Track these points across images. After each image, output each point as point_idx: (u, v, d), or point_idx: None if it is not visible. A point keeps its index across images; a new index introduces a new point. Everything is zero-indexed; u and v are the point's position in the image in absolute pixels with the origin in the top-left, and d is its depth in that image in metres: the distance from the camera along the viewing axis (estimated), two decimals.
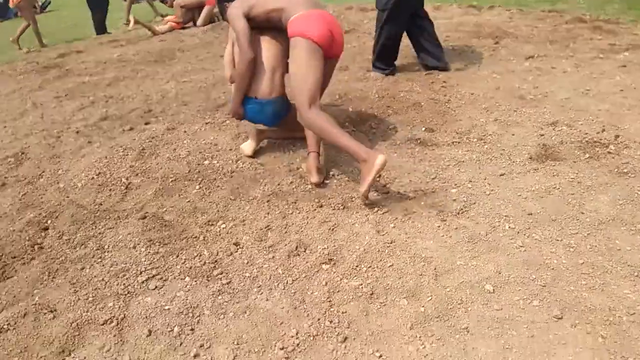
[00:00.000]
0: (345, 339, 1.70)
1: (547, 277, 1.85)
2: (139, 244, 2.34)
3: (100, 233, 2.47)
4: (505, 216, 2.21)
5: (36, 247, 2.42)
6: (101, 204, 2.71)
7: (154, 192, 2.75)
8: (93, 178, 2.97)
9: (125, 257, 2.27)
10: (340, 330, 1.74)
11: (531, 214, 2.20)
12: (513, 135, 2.90)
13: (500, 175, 2.52)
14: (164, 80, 4.66)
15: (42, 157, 3.37)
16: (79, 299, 2.01)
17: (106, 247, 2.36)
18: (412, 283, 1.90)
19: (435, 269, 1.95)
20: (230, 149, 3.11)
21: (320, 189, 2.61)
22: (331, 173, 2.73)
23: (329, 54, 2.65)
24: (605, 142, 2.68)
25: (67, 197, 2.82)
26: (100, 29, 8.32)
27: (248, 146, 3.00)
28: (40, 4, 12.31)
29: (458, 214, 2.26)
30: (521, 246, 2.02)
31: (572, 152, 2.64)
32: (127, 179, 2.92)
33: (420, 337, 1.67)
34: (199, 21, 7.21)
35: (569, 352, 1.55)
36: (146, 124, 3.68)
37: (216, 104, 3.90)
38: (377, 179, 2.47)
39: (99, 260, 2.28)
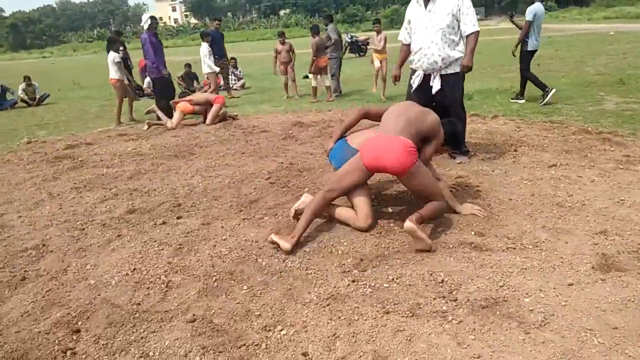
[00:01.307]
0: None
1: None
2: (190, 352, 2.13)
3: (142, 337, 2.26)
4: (590, 330, 2.09)
5: (68, 352, 2.20)
6: (139, 304, 2.52)
7: (198, 292, 2.58)
8: (127, 274, 2.80)
9: None
10: None
11: (616, 329, 2.09)
12: (567, 243, 2.86)
13: (569, 285, 2.43)
14: (189, 174, 4.61)
15: (66, 250, 3.19)
16: None
17: (151, 354, 2.15)
18: None
19: None
20: (274, 247, 2.99)
21: (380, 292, 2.47)
22: (389, 277, 2.61)
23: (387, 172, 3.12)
24: None
25: (99, 295, 2.62)
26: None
27: (286, 241, 2.93)
28: (39, 96, 12.54)
29: (540, 326, 2.13)
30: None
31: (633, 263, 2.59)
32: (166, 276, 2.75)
33: None
34: (208, 120, 7.29)
35: None
36: (178, 218, 3.56)
37: (249, 200, 3.83)
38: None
39: None
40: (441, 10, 4.23)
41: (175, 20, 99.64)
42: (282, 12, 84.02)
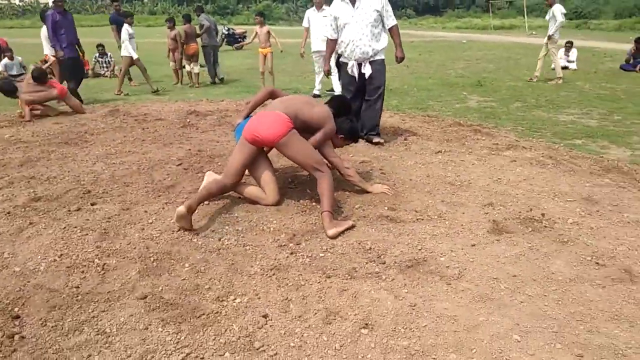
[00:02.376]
0: None
1: (554, 325, 2.18)
2: (150, 325, 2.17)
3: (93, 317, 2.24)
4: (496, 278, 2.55)
5: (16, 337, 2.10)
6: (78, 287, 2.46)
7: (139, 273, 2.59)
8: (55, 260, 2.69)
9: (139, 339, 2.09)
10: None
11: (515, 276, 2.57)
12: (463, 213, 3.36)
13: (472, 245, 2.90)
14: (89, 161, 4.38)
15: None
16: None
17: (108, 330, 2.15)
18: (451, 339, 2.08)
19: (464, 325, 2.17)
20: (207, 228, 3.07)
21: (318, 261, 2.71)
22: (323, 247, 2.86)
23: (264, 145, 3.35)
24: (538, 218, 3.25)
25: (28, 281, 2.50)
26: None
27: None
28: None
29: (458, 278, 2.54)
30: (522, 302, 2.35)
31: (517, 227, 3.15)
32: (99, 259, 2.70)
33: None
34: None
35: None
36: (92, 204, 3.43)
37: (164, 185, 3.80)
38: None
39: (107, 345, 2.06)
40: (368, 7, 4.88)
41: None
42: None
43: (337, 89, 8.58)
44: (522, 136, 5.68)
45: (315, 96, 8.64)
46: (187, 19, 10.40)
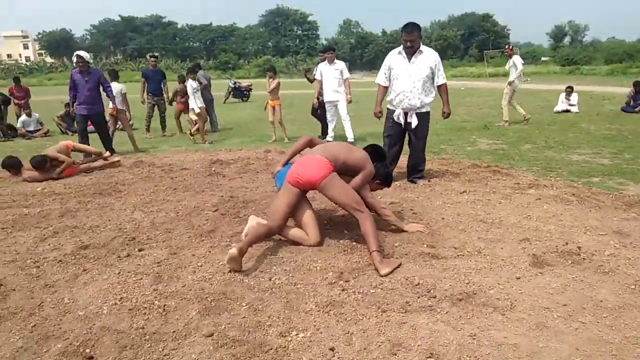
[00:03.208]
0: None
1: (612, 349, 2.25)
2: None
3: (165, 355, 2.31)
4: (547, 308, 2.62)
5: None
6: (143, 328, 2.53)
7: (199, 312, 2.66)
8: (116, 304, 2.77)
9: None
10: None
11: (565, 305, 2.65)
12: (502, 248, 3.46)
13: (517, 278, 2.98)
14: (127, 210, 4.52)
15: (30, 287, 3.02)
16: None
17: None
18: None
19: (525, 352, 2.23)
20: (255, 269, 3.16)
21: (369, 296, 2.79)
22: (372, 284, 2.94)
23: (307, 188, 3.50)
24: (575, 251, 3.35)
25: (94, 324, 2.57)
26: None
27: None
28: None
29: (510, 309, 2.61)
30: (577, 328, 2.42)
31: (557, 260, 3.24)
32: (159, 301, 2.78)
33: None
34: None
35: None
36: (140, 250, 3.54)
37: (205, 230, 3.92)
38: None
39: None
40: (422, 64, 5.27)
41: (27, 58, 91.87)
42: (148, 55, 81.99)
43: (350, 137, 8.85)
44: (540, 175, 5.83)
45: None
46: (182, 80, 11.05)
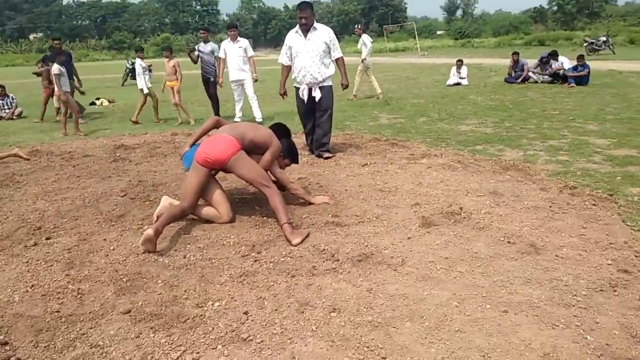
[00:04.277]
0: (384, 358, 2.18)
1: (483, 292, 2.68)
2: (141, 333, 2.38)
3: (83, 334, 2.41)
4: (432, 261, 3.03)
5: (12, 359, 2.21)
6: (59, 312, 2.59)
7: (115, 293, 2.76)
8: (28, 291, 2.79)
9: (134, 346, 2.29)
10: (378, 352, 2.21)
11: (447, 258, 3.07)
12: (397, 213, 3.85)
13: (408, 238, 3.38)
14: (29, 201, 4.38)
15: None
16: None
17: (101, 343, 2.33)
18: (405, 311, 2.50)
19: (413, 300, 2.60)
20: (169, 248, 3.28)
21: (280, 265, 3.04)
22: (282, 253, 3.19)
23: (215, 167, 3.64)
24: (457, 212, 3.82)
25: (6, 312, 2.59)
26: None
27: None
28: None
29: (401, 265, 2.99)
30: (455, 277, 2.84)
31: (442, 220, 3.69)
32: (72, 285, 2.83)
33: (434, 348, 2.27)
34: None
35: (525, 332, 2.36)
36: (47, 238, 3.51)
37: (115, 215, 3.94)
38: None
39: (104, 355, 2.25)
40: (317, 40, 5.68)
41: None
42: (32, 36, 75.39)
43: (258, 117, 8.99)
44: (432, 146, 6.39)
45: None
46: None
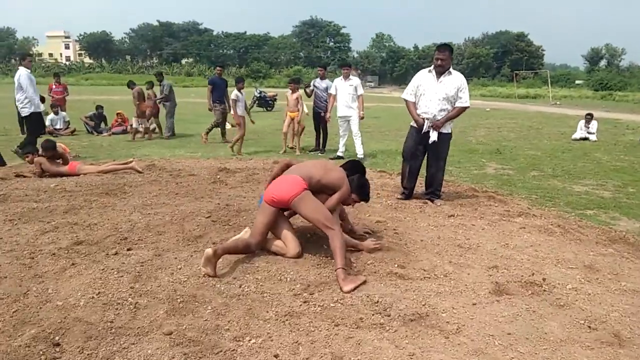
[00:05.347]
0: None
1: None
2: (174, 357, 2.44)
3: (124, 348, 2.52)
4: (491, 335, 2.74)
5: None
6: (112, 322, 2.75)
7: (166, 312, 2.87)
8: (93, 297, 3.01)
9: None
10: None
11: (510, 334, 2.76)
12: (469, 274, 3.58)
13: (473, 304, 3.11)
14: (127, 211, 4.79)
15: (21, 276, 3.29)
16: None
17: None
18: None
19: None
20: (229, 275, 3.37)
21: (328, 310, 2.96)
22: (334, 298, 3.11)
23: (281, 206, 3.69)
24: (538, 283, 3.45)
25: (69, 315, 2.81)
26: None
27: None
28: None
29: (456, 333, 2.75)
30: (512, 358, 2.54)
31: (518, 290, 3.35)
32: (132, 298, 3.01)
33: None
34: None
35: None
36: (128, 249, 3.79)
37: (194, 235, 4.14)
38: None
39: None
40: (450, 84, 5.50)
41: (68, 58, 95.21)
42: (184, 61, 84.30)
43: (360, 153, 9.04)
44: (535, 204, 5.89)
45: (338, 158, 9.10)
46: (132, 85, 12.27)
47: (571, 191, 6.75)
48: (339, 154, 9.30)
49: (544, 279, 3.51)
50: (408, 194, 5.88)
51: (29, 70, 8.37)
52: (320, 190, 3.73)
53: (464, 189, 6.53)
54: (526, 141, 12.40)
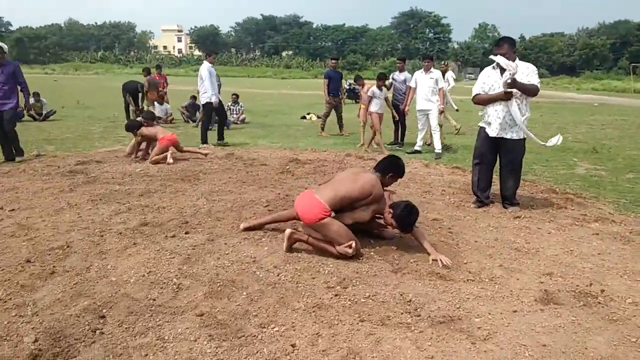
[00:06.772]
0: None
1: None
2: (199, 338, 2.59)
3: (158, 325, 2.72)
4: (524, 345, 2.59)
5: (97, 332, 2.63)
6: (154, 300, 2.98)
7: (204, 294, 3.05)
8: (144, 275, 3.26)
9: (187, 348, 2.51)
10: None
11: (545, 346, 2.59)
12: (517, 279, 3.39)
13: (513, 311, 2.95)
14: (195, 197, 5.12)
15: (88, 251, 3.65)
16: None
17: (166, 338, 2.60)
18: None
19: None
20: (271, 263, 3.49)
21: (357, 305, 2.96)
22: (366, 294, 3.11)
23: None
24: (594, 294, 3.18)
25: (119, 290, 3.08)
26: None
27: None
28: (45, 112, 13.16)
29: (484, 340, 2.63)
30: None
31: (568, 300, 3.12)
32: (177, 279, 3.22)
33: None
34: (149, 159, 7.11)
35: None
36: (186, 233, 4.05)
37: None
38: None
39: (162, 349, 2.51)
40: (516, 76, 4.80)
41: (180, 50, 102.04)
42: (284, 54, 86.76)
43: (438, 148, 8.79)
44: (620, 210, 5.38)
45: (416, 152, 8.93)
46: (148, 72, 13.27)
47: None
48: (417, 147, 9.12)
49: (602, 291, 3.23)
50: (482, 201, 5.33)
51: (211, 65, 9.34)
52: (348, 204, 3.79)
53: (541, 189, 6.13)
54: (631, 140, 11.29)
